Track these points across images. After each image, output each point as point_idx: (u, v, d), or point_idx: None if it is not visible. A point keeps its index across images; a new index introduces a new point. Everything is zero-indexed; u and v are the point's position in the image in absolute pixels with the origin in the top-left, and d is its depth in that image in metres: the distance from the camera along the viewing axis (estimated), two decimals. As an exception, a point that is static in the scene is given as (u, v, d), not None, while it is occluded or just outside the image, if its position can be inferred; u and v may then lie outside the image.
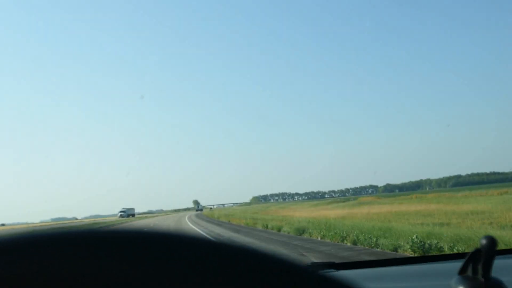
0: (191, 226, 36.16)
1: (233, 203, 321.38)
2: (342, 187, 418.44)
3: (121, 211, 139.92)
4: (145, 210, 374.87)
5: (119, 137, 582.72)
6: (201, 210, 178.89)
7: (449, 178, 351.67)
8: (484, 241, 1.10)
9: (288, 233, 20.12)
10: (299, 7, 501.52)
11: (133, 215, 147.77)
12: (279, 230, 22.00)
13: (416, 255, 9.92)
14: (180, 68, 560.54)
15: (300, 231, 18.70)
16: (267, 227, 24.81)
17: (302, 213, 45.18)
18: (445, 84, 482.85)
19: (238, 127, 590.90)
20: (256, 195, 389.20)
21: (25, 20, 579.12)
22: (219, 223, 37.01)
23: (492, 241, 1.10)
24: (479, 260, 1.11)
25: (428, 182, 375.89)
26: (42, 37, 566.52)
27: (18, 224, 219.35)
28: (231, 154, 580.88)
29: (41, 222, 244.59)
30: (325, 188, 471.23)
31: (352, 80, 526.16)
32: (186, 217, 69.33)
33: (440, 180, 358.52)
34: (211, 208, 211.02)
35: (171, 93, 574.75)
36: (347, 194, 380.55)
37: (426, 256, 2.71)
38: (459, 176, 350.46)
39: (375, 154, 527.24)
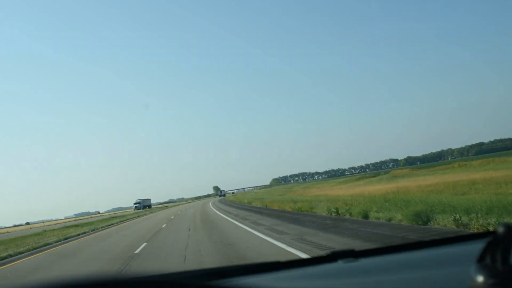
0: (225, 217, 29.11)
1: (253, 187, 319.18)
2: (362, 163, 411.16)
3: (136, 203, 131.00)
4: (166, 199, 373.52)
5: (136, 131, 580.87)
6: (224, 195, 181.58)
7: (471, 146, 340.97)
8: (501, 229, 1.11)
9: (389, 220, 12.89)
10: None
11: (149, 206, 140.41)
12: (365, 217, 14.74)
13: None
14: (187, 55, 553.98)
15: (423, 218, 11.34)
16: (337, 212, 17.44)
17: (338, 192, 38.92)
18: (458, 51, 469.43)
19: (253, 111, 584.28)
20: (275, 177, 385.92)
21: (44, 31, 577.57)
22: (258, 210, 29.76)
23: (510, 228, 1.11)
24: (497, 248, 1.11)
25: (450, 152, 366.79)
26: (51, 43, 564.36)
27: (43, 221, 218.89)
28: (247, 140, 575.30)
29: (65, 218, 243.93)
30: (344, 165, 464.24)
31: (363, 52, 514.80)
32: (210, 204, 62.59)
33: (462, 149, 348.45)
34: (233, 193, 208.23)
35: (183, 82, 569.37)
36: (367, 170, 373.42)
37: (445, 238, 2.25)
38: (481, 144, 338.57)
39: (393, 127, 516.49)
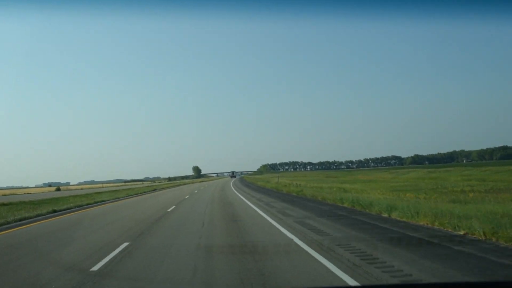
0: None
1: (240, 172, 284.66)
2: (361, 157, 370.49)
3: None
4: (141, 177, 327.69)
5: (115, 105, 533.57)
6: (235, 177, 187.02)
7: (494, 149, 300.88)
8: None
9: None
10: None
11: None
12: None
13: None
14: (184, 38, 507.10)
15: None
16: None
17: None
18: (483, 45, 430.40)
19: (242, 92, 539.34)
20: (264, 163, 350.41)
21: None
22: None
23: None
24: None
25: (464, 153, 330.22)
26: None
27: (13, 188, 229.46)
28: (234, 121, 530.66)
29: (35, 187, 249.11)
30: (339, 158, 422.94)
31: (373, 43, 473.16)
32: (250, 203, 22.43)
33: (483, 152, 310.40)
34: (234, 176, 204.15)
35: (176, 60, 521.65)
36: (366, 165, 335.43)
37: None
38: (505, 148, 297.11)
39: (400, 122, 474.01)
